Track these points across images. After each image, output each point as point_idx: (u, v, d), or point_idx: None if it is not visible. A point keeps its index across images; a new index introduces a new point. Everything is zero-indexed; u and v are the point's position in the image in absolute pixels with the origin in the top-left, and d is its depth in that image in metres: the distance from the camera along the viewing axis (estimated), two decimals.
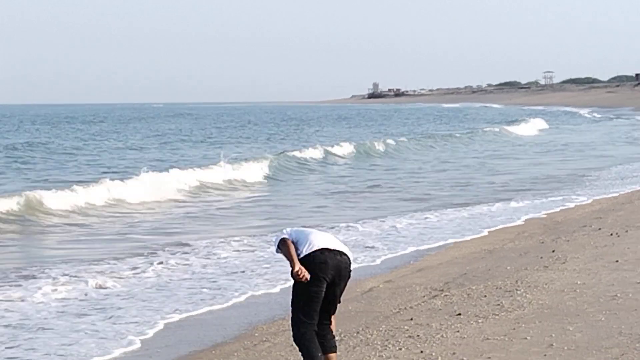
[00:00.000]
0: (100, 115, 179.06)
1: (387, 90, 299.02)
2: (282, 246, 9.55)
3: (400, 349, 11.39)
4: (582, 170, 41.67)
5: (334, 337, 9.82)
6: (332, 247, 9.57)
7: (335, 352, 9.75)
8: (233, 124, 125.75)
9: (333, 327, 9.87)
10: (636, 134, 70.63)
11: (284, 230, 9.79)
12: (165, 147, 69.02)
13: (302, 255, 9.46)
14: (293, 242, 9.57)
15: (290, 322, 9.75)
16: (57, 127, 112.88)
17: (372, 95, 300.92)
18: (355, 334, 12.40)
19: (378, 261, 18.89)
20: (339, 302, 9.78)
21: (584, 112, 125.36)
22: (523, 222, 23.33)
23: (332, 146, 59.02)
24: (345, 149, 58.57)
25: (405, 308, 13.87)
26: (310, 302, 9.51)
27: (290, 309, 9.68)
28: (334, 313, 9.77)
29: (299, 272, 9.29)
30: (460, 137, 76.08)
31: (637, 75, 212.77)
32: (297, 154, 52.71)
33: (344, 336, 12.29)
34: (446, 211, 27.09)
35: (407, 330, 12.39)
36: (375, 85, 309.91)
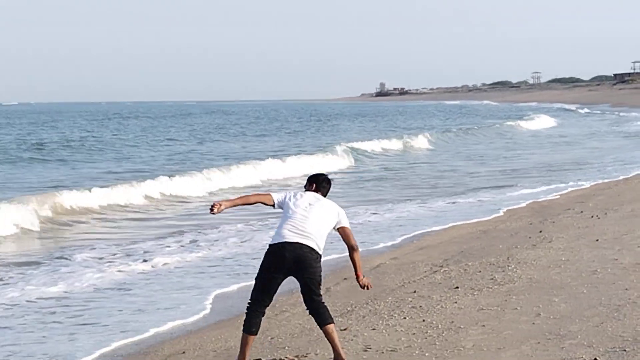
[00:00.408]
0: (153, 112, 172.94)
1: (392, 89, 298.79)
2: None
3: (405, 318, 11.36)
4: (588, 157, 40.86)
5: (327, 310, 9.59)
6: (292, 240, 9.42)
7: (331, 323, 9.51)
8: (291, 118, 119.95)
9: None
10: (625, 127, 69.29)
11: (285, 194, 9.87)
12: (268, 138, 68.56)
13: (270, 242, 9.65)
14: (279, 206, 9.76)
15: None
16: (157, 121, 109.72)
17: (379, 94, 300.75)
18: (364, 305, 12.33)
19: None
20: (318, 285, 9.61)
21: (573, 107, 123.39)
22: (525, 205, 22.87)
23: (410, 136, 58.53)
24: (420, 140, 57.51)
25: (409, 282, 13.77)
26: (259, 287, 9.59)
27: None
28: (317, 294, 9.60)
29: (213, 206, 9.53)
30: (497, 127, 74.51)
31: (615, 75, 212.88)
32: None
33: (355, 307, 12.30)
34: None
35: (411, 301, 12.32)
36: (382, 84, 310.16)
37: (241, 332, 9.42)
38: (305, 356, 9.79)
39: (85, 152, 52.12)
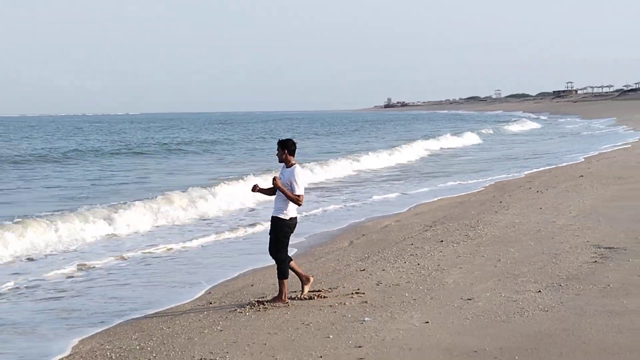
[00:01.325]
0: (236, 119, 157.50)
1: (396, 102, 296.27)
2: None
3: (405, 262, 11.33)
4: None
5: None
6: (295, 215, 9.45)
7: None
8: (340, 123, 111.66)
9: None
10: (560, 129, 67.88)
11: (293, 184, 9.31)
12: (340, 136, 66.11)
13: (288, 216, 9.37)
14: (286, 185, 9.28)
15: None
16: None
17: (387, 106, 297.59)
18: (377, 253, 12.29)
19: None
20: None
21: (527, 115, 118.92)
22: (484, 186, 22.68)
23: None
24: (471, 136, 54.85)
25: (407, 237, 13.69)
26: (286, 243, 9.48)
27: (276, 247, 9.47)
28: None
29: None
30: (503, 128, 70.59)
31: (554, 92, 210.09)
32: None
33: (370, 255, 12.24)
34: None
35: (409, 250, 12.28)
36: (389, 99, 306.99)
37: (279, 276, 9.37)
38: (336, 288, 9.76)
39: (224, 146, 51.38)
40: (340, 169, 30.50)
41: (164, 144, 53.48)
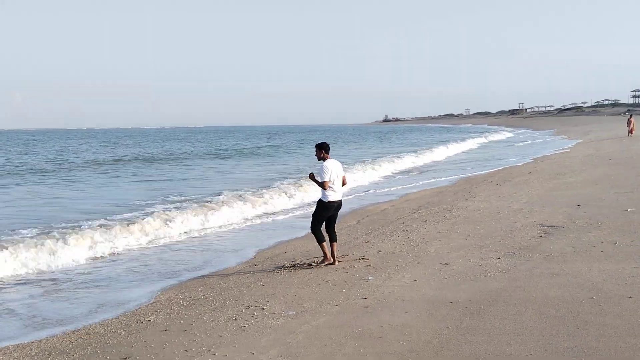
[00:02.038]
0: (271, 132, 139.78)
1: (391, 118, 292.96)
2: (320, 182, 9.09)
3: (398, 236, 11.27)
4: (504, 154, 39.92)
5: (336, 234, 9.54)
6: (339, 198, 9.24)
7: (336, 241, 9.44)
8: (360, 134, 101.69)
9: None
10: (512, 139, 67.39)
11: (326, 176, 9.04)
12: (373, 143, 60.78)
13: (327, 199, 9.15)
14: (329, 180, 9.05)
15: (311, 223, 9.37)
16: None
17: (385, 120, 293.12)
18: (377, 229, 12.26)
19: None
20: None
21: (494, 127, 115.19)
22: (457, 180, 22.63)
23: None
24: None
25: (400, 218, 13.66)
26: (322, 220, 9.25)
27: (312, 221, 9.33)
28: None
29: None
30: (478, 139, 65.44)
31: (510, 110, 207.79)
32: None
33: (372, 230, 12.21)
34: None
35: (401, 227, 12.23)
36: (386, 115, 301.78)
37: (317, 242, 9.31)
38: (347, 255, 9.79)
39: (284, 151, 48.29)
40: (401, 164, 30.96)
41: (240, 149, 50.33)
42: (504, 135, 71.52)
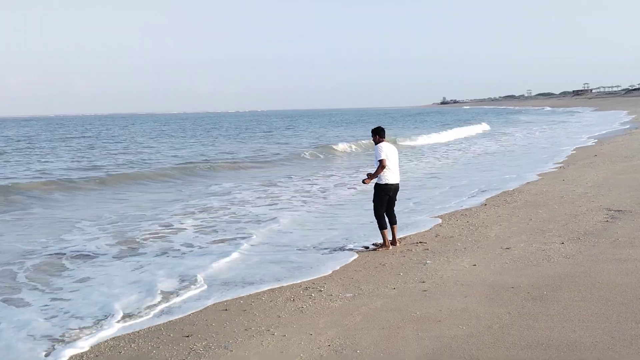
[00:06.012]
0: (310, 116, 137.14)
1: (449, 100, 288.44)
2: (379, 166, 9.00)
3: (457, 220, 11.03)
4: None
5: (395, 216, 9.45)
6: (396, 181, 9.14)
7: (396, 224, 9.41)
8: (425, 116, 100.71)
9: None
10: (574, 119, 64.67)
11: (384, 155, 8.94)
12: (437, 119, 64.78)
13: (383, 182, 9.05)
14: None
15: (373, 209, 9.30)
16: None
17: (442, 102, 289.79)
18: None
19: None
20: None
21: (560, 109, 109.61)
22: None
23: None
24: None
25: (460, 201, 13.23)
26: (383, 203, 9.14)
27: (374, 206, 9.25)
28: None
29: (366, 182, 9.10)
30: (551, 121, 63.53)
31: (573, 91, 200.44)
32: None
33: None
34: None
35: (460, 211, 11.90)
36: (444, 98, 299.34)
37: (379, 228, 9.23)
38: (404, 238, 9.68)
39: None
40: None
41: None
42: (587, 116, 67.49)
